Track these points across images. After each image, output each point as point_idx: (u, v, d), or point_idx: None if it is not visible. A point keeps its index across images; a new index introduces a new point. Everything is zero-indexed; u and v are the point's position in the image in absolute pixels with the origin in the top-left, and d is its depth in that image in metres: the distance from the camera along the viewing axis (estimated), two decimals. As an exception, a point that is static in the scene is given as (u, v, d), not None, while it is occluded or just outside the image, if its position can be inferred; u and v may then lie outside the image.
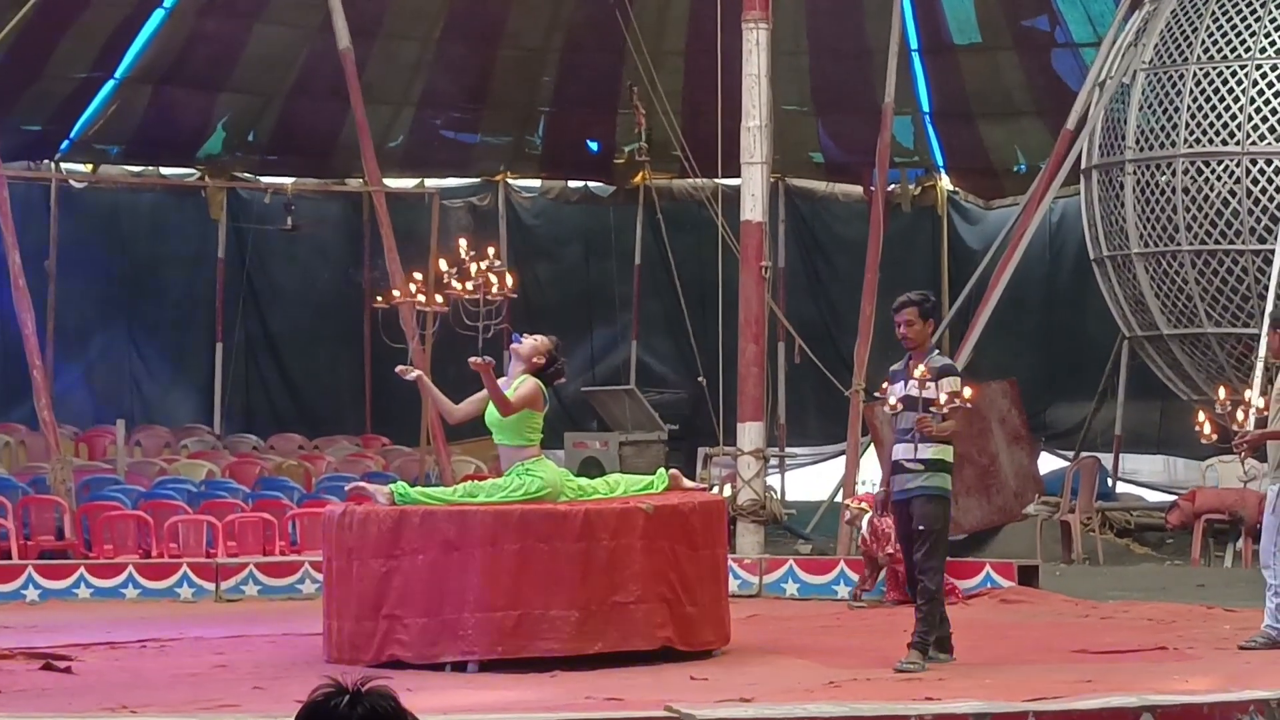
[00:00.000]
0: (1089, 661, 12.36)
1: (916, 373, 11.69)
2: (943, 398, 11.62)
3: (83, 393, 26.07)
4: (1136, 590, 16.92)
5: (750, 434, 18.48)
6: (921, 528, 11.85)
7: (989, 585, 17.02)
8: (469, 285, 13.18)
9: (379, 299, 14.00)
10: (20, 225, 20.62)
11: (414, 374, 13.09)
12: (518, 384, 12.47)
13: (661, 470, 13.50)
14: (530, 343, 12.74)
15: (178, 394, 26.96)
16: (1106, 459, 22.56)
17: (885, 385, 12.23)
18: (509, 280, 13.29)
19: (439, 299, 13.03)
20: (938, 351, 12.12)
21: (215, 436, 25.31)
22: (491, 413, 12.53)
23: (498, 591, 12.09)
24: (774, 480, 22.46)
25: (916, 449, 11.79)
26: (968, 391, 11.81)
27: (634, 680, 11.51)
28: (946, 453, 11.88)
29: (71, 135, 25.97)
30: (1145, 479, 25.06)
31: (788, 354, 26.00)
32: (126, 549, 18.70)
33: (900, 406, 11.90)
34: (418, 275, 13.71)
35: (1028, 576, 17.18)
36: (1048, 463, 23.35)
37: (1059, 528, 19.65)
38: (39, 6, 20.36)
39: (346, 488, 17.81)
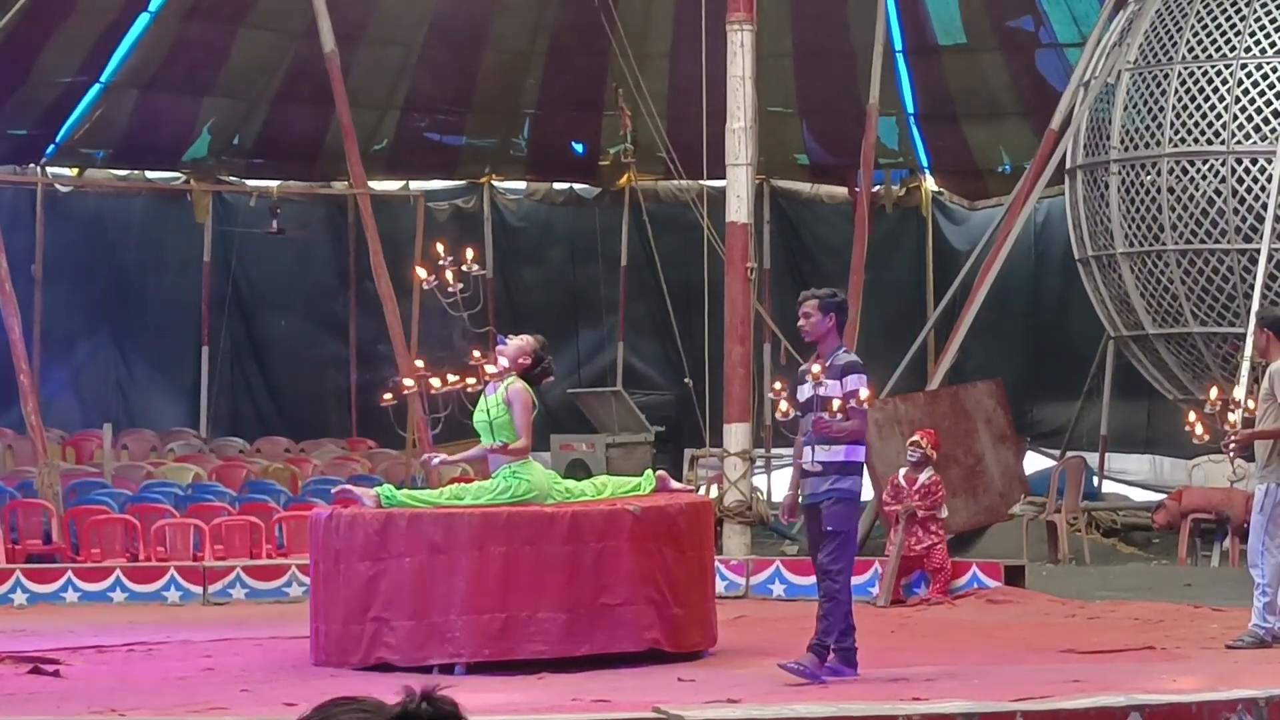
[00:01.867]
0: (1076, 661, 12.39)
1: (814, 369, 11.50)
2: (836, 403, 11.41)
3: (69, 397, 26.06)
4: (1123, 590, 16.94)
5: (736, 435, 18.50)
6: (829, 528, 11.45)
7: (975, 585, 17.03)
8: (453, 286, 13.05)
9: (388, 395, 13.76)
10: (6, 230, 20.64)
11: (438, 459, 13.19)
12: (506, 385, 12.46)
13: (649, 472, 13.51)
14: (515, 343, 12.70)
15: (164, 398, 26.94)
16: (1093, 459, 22.58)
17: (779, 387, 12.00)
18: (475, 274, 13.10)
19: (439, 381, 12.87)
20: (844, 349, 11.73)
21: (202, 440, 25.30)
22: (479, 415, 12.52)
23: (485, 594, 12.09)
24: (760, 481, 22.45)
25: (814, 451, 11.46)
26: (865, 393, 11.56)
27: (622, 682, 11.52)
28: (855, 454, 11.56)
29: (57, 139, 25.95)
30: (1132, 478, 25.11)
31: (773, 355, 26.01)
32: (114, 553, 18.69)
33: (791, 411, 11.77)
34: (419, 363, 13.54)
35: (1014, 576, 17.19)
36: (1034, 462, 23.38)
37: (1045, 527, 19.67)
38: (25, 11, 20.35)
39: (333, 490, 17.82)
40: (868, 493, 24.25)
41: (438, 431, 12.99)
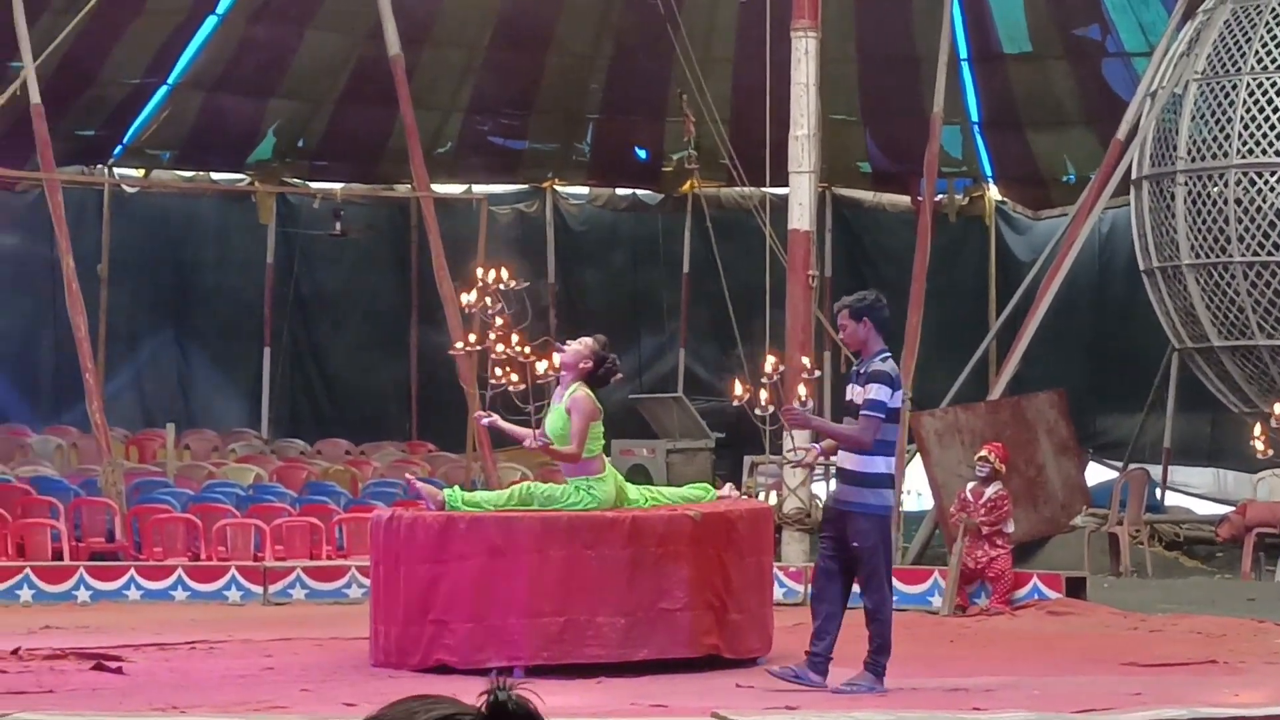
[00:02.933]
0: (1138, 674, 12.32)
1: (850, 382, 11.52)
2: (802, 390, 11.41)
3: (133, 396, 26.21)
4: (1186, 603, 16.84)
5: (796, 442, 18.45)
6: (855, 545, 11.36)
7: (1036, 596, 16.98)
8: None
9: (459, 346, 13.77)
10: (73, 229, 20.76)
11: (488, 419, 13.07)
12: (569, 393, 12.40)
13: (710, 487, 13.50)
14: (573, 348, 12.60)
15: (226, 398, 27.06)
16: (1156, 471, 22.46)
17: (803, 393, 11.95)
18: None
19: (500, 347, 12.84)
20: (881, 356, 11.50)
21: (263, 441, 25.40)
22: (552, 423, 12.43)
23: (544, 597, 12.10)
24: (820, 489, 22.40)
25: (839, 457, 11.47)
26: (802, 390, 11.55)
27: (680, 687, 11.53)
28: (876, 465, 11.35)
29: (124, 140, 26.11)
30: (1196, 491, 24.97)
31: (834, 363, 25.98)
32: (176, 551, 18.78)
33: (771, 404, 11.80)
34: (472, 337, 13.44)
35: (1075, 588, 17.13)
36: (1096, 474, 23.26)
37: (1107, 539, 19.58)
38: (93, 12, 20.47)
39: (406, 475, 17.77)
40: (917, 504, 24.31)
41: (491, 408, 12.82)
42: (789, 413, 11.48)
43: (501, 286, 12.69)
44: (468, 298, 12.98)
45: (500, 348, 12.48)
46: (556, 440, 12.34)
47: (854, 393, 11.42)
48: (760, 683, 11.69)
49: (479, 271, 12.91)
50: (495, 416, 12.95)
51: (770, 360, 11.80)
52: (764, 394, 12.05)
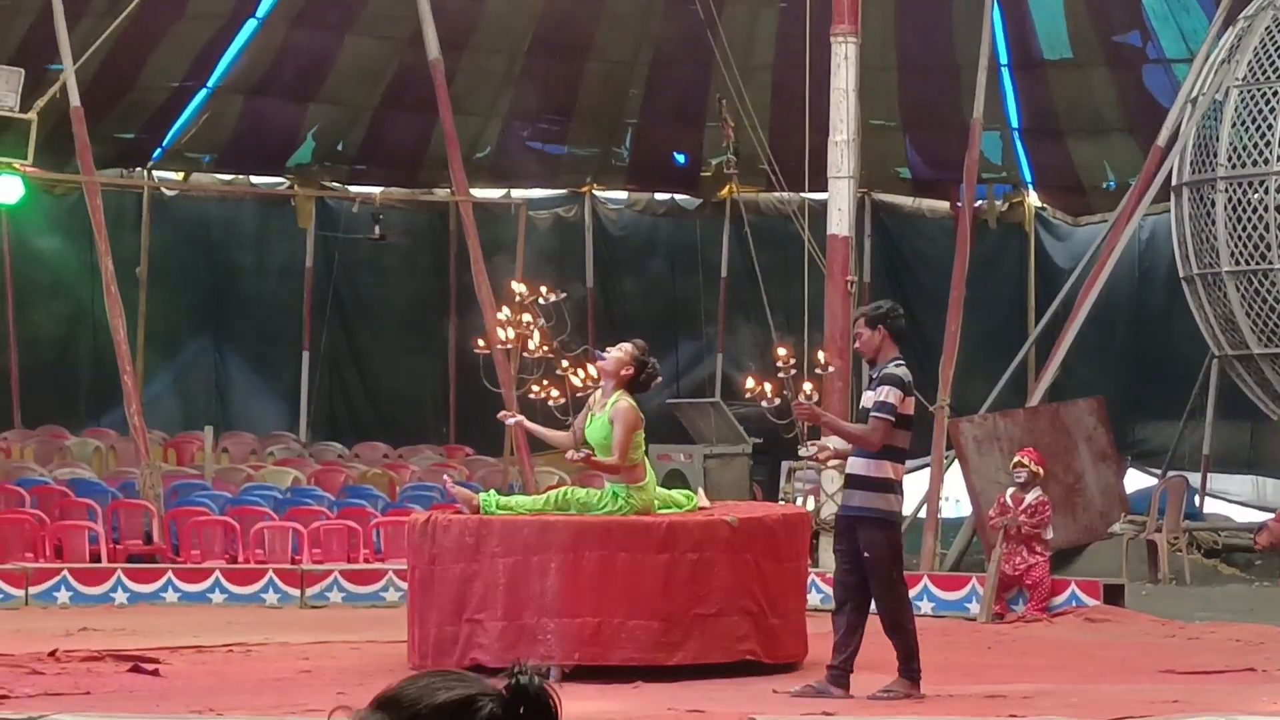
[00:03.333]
0: (1176, 682, 12.28)
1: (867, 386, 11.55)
2: (808, 387, 11.38)
3: (171, 399, 26.28)
4: (1224, 611, 16.78)
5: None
6: (866, 554, 11.33)
7: (1074, 604, 16.96)
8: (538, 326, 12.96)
9: (480, 343, 13.77)
10: (113, 232, 20.84)
11: (513, 419, 13.06)
12: (612, 403, 12.37)
13: (691, 493, 13.45)
14: (614, 356, 12.55)
15: (264, 401, 27.12)
16: (1195, 479, 22.37)
17: (809, 389, 11.98)
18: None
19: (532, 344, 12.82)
20: (895, 361, 11.50)
21: (301, 444, 25.44)
22: (594, 430, 12.39)
23: (578, 598, 12.11)
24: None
25: (849, 464, 11.54)
26: (808, 387, 11.52)
27: (716, 692, 11.52)
28: (885, 470, 11.31)
29: (164, 144, 26.17)
30: (1235, 498, 24.89)
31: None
32: (213, 554, 18.84)
33: (776, 396, 11.85)
34: (508, 328, 13.37)
35: (1114, 596, 17.10)
36: (1135, 481, 23.18)
37: (1145, 547, 19.51)
38: (134, 16, 20.54)
39: (443, 478, 17.77)
40: (955, 510, 24.23)
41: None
42: (800, 406, 11.50)
43: (540, 300, 12.66)
44: (504, 314, 12.95)
45: (532, 345, 12.47)
46: (599, 450, 12.31)
47: (867, 398, 11.45)
48: (796, 688, 11.67)
49: (515, 285, 12.88)
50: (521, 416, 12.96)
51: (781, 352, 11.79)
52: (767, 386, 12.08)
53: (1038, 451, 17.81)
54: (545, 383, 12.62)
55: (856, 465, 11.39)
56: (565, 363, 12.59)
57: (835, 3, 18.48)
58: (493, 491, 13.35)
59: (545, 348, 12.47)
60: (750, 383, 12.13)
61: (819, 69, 18.85)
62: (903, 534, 11.56)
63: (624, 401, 12.31)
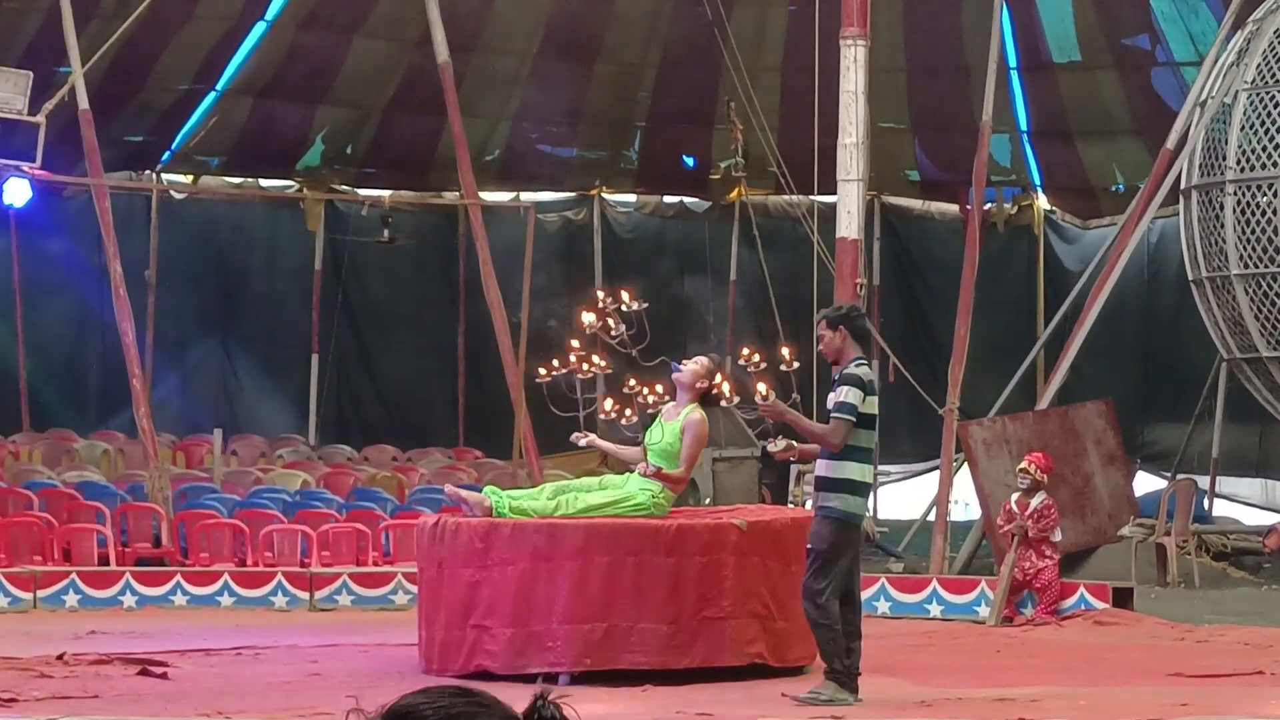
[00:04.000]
0: (1185, 684, 12.27)
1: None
2: (762, 387, 11.46)
3: (180, 402, 26.28)
4: (1233, 614, 16.77)
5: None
6: (809, 546, 11.38)
7: (1083, 607, 16.94)
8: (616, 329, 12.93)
9: (542, 372, 13.68)
10: (121, 235, 20.82)
11: (586, 440, 13.08)
12: (685, 414, 12.42)
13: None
14: (691, 368, 12.60)
15: (273, 404, 27.11)
16: (1204, 482, 22.35)
17: (764, 388, 11.96)
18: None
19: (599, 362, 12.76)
20: (856, 361, 11.50)
21: (310, 447, 25.45)
22: (659, 436, 12.47)
23: (587, 603, 12.11)
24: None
25: (816, 465, 11.54)
26: (763, 386, 11.55)
27: (725, 695, 11.51)
28: (846, 470, 11.30)
29: (172, 146, 26.19)
30: (1245, 499, 24.88)
31: (882, 372, 25.91)
32: (222, 557, 18.83)
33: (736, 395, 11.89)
34: (575, 343, 13.26)
35: (1122, 599, 17.09)
36: (1144, 484, 23.15)
37: (1154, 550, 19.49)
38: (142, 19, 20.55)
39: (445, 487, 17.77)
40: (964, 514, 24.20)
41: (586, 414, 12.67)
42: (764, 405, 11.52)
43: (623, 308, 12.63)
44: (588, 318, 12.91)
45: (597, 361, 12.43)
46: (660, 456, 12.39)
47: (830, 399, 11.46)
48: (805, 691, 11.65)
49: (599, 294, 12.82)
50: (592, 436, 13.00)
51: (744, 352, 11.85)
52: (727, 386, 12.14)
53: (1044, 456, 17.80)
54: (618, 405, 12.66)
55: (820, 466, 11.47)
56: (633, 381, 12.58)
57: (844, 5, 18.47)
58: (492, 488, 13.30)
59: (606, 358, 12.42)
60: (762, 387, 12.12)
61: (828, 71, 18.85)
62: (858, 537, 11.34)
63: (697, 414, 12.42)
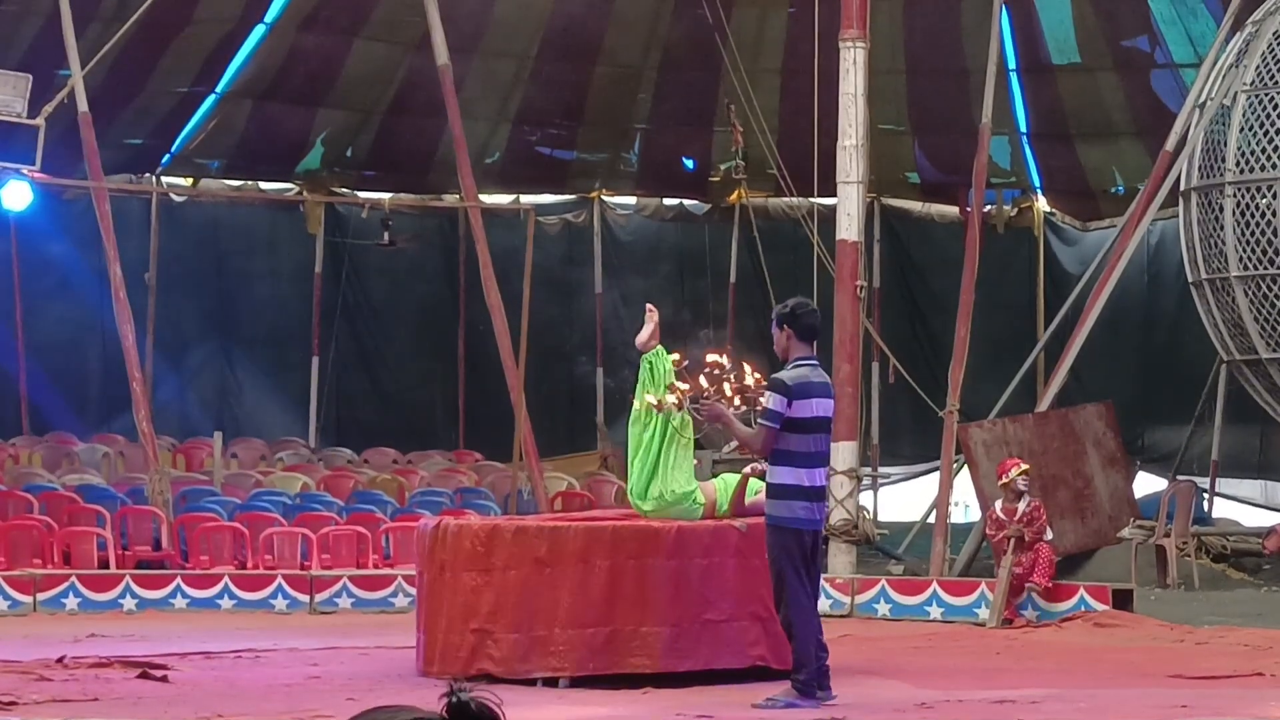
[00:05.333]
0: (1184, 686, 12.27)
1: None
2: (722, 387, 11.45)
3: (181, 405, 26.28)
4: (1233, 616, 16.77)
5: (843, 454, 18.43)
6: (768, 558, 11.34)
7: (1083, 609, 16.95)
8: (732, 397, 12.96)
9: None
10: (121, 238, 20.82)
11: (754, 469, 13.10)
12: None
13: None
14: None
15: (274, 407, 27.13)
16: (1204, 483, 22.36)
17: (685, 387, 11.94)
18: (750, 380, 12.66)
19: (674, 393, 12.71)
20: (795, 364, 11.28)
21: (310, 450, 25.45)
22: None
23: (589, 608, 12.10)
24: (866, 500, 22.39)
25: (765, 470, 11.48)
26: (683, 385, 11.53)
27: (726, 698, 11.51)
28: (778, 476, 11.19)
29: (172, 149, 26.20)
30: (1245, 499, 24.91)
31: (882, 374, 25.94)
32: (222, 560, 18.84)
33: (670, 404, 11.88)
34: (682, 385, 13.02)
35: (1123, 600, 17.09)
36: (1144, 486, 23.16)
37: (1154, 552, 19.49)
38: (142, 22, 20.56)
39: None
40: (965, 516, 24.23)
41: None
42: (705, 405, 11.51)
43: (747, 382, 12.34)
44: (684, 387, 12.69)
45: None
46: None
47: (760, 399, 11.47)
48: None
49: (712, 358, 12.64)
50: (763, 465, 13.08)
51: (711, 359, 11.84)
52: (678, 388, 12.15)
53: (1017, 460, 17.84)
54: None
55: (767, 473, 11.38)
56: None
57: (844, 7, 18.48)
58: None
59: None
60: (703, 381, 12.06)
61: (828, 74, 18.86)
62: (796, 542, 11.13)
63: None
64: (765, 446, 11.17)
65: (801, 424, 11.11)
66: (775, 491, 11.18)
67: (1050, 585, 16.94)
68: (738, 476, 13.04)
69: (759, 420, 11.18)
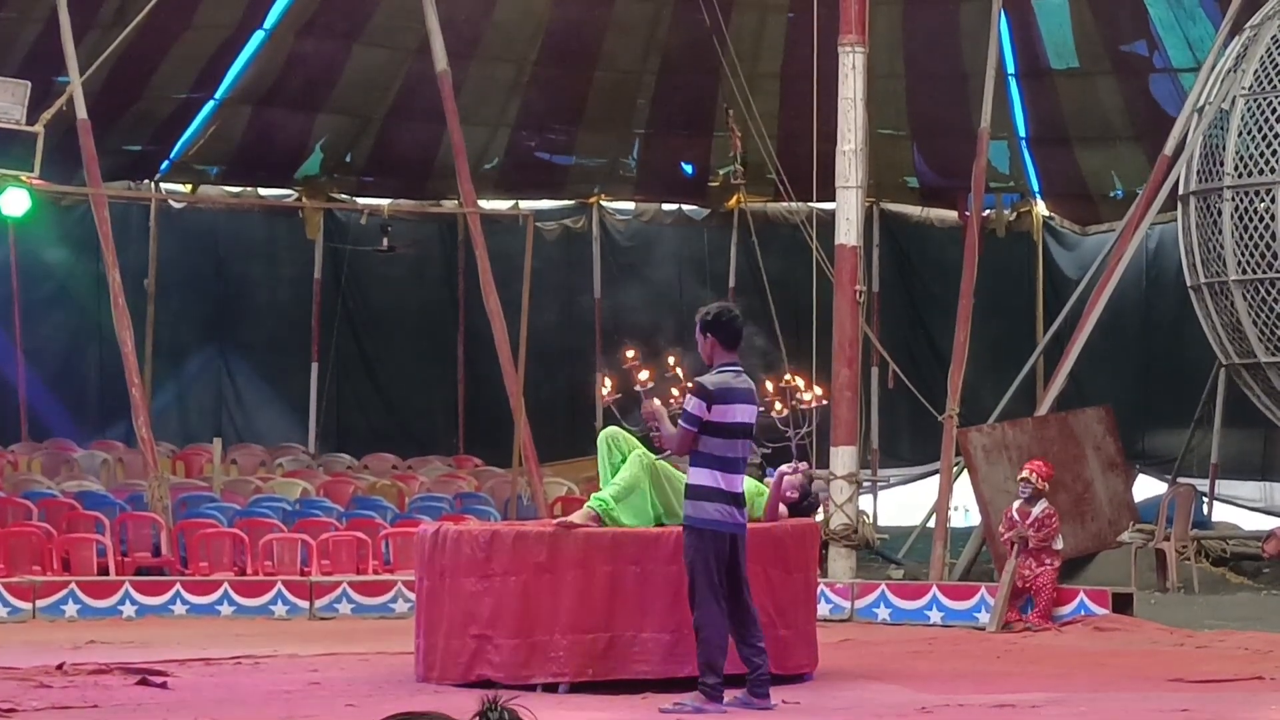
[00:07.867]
0: (1184, 690, 12.26)
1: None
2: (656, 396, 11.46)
3: (180, 411, 26.30)
4: (1232, 619, 16.77)
5: (843, 458, 18.44)
6: (684, 559, 11.27)
7: (1083, 613, 16.94)
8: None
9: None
10: (120, 244, 20.84)
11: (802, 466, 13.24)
12: None
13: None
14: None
15: (273, 413, 27.14)
16: (1203, 487, 22.36)
17: (646, 378, 11.93)
18: (817, 390, 12.68)
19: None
20: (717, 369, 11.16)
21: (310, 455, 25.46)
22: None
23: (589, 613, 12.09)
24: (866, 504, 22.37)
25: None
26: (646, 375, 11.55)
27: (726, 703, 11.48)
28: (697, 477, 11.14)
29: (171, 155, 26.21)
30: (1246, 502, 24.93)
31: (881, 378, 25.96)
32: (222, 566, 18.83)
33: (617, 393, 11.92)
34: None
35: (1122, 604, 17.09)
36: (1143, 489, 23.16)
37: (1154, 555, 19.50)
38: (141, 28, 20.56)
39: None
40: (965, 520, 24.23)
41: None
42: (644, 403, 11.54)
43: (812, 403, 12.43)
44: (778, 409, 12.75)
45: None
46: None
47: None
48: (805, 699, 11.66)
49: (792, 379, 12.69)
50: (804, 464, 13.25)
51: (630, 354, 11.83)
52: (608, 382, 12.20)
53: (1044, 462, 17.81)
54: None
55: (688, 474, 11.39)
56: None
57: (843, 12, 18.49)
58: (599, 498, 13.05)
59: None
60: (644, 375, 12.02)
61: (827, 78, 18.86)
62: (711, 544, 11.03)
63: None
64: (681, 447, 11.23)
65: (721, 428, 11.10)
66: (692, 493, 11.19)
67: (1047, 626, 16.80)
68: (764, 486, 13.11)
69: (679, 422, 11.22)
